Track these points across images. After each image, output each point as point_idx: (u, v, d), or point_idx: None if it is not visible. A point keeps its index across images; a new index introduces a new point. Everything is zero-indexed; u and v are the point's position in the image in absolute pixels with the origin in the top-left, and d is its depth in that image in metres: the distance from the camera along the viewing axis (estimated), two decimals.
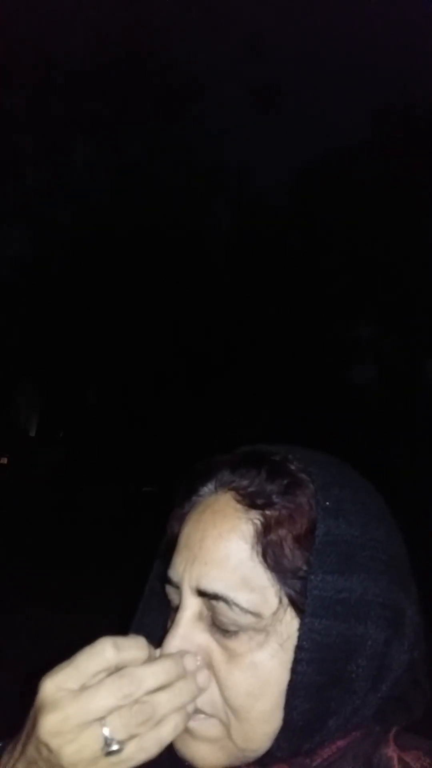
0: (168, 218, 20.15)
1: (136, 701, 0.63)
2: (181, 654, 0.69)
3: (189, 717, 0.68)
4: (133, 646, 0.66)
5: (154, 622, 0.85)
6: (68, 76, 20.23)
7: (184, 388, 20.77)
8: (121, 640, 0.66)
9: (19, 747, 0.67)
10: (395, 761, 0.68)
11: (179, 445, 18.83)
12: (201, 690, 0.69)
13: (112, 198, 20.75)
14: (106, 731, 0.62)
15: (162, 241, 19.93)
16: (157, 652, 0.71)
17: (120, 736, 0.62)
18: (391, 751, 0.69)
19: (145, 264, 19.77)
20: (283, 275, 20.97)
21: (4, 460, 21.84)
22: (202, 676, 0.70)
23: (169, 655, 0.69)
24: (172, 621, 0.74)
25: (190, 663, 0.69)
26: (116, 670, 0.65)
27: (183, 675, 0.67)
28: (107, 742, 0.62)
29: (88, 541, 11.25)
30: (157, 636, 0.76)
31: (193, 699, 0.68)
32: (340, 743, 0.70)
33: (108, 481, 19.74)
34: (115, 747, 0.62)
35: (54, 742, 0.62)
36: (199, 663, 0.71)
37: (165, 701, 0.64)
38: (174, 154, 20.55)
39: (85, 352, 20.50)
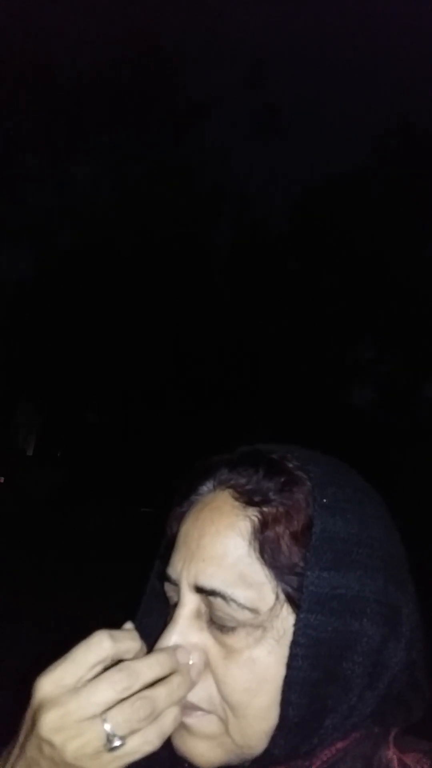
0: (169, 239, 20.29)
1: (135, 695, 0.64)
2: (174, 647, 0.70)
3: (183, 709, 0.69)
4: (128, 638, 0.68)
5: (155, 623, 0.85)
6: (71, 97, 20.46)
7: (184, 409, 20.78)
8: (116, 632, 0.67)
9: (16, 749, 0.67)
10: (395, 763, 0.69)
11: (178, 465, 18.75)
12: (194, 683, 0.70)
13: (113, 219, 20.91)
14: (107, 727, 0.62)
15: (163, 262, 20.05)
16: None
17: (122, 731, 0.63)
18: (391, 753, 0.69)
19: (145, 284, 19.88)
20: (283, 297, 21.06)
21: (1, 480, 21.78)
22: (195, 669, 0.71)
23: (163, 649, 0.70)
24: (171, 618, 0.75)
25: (182, 656, 0.70)
26: (112, 662, 0.66)
27: (177, 667, 0.68)
28: (109, 738, 0.63)
29: (86, 562, 11.20)
30: (157, 635, 0.76)
31: (188, 692, 0.69)
32: (339, 745, 0.70)
33: (106, 501, 19.66)
34: (117, 743, 0.63)
35: (57, 739, 0.63)
36: (193, 657, 0.71)
37: (164, 695, 0.66)
38: (176, 176, 20.74)
39: (84, 371, 20.53)
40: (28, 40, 18.27)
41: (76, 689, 0.63)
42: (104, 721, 0.62)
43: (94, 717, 0.63)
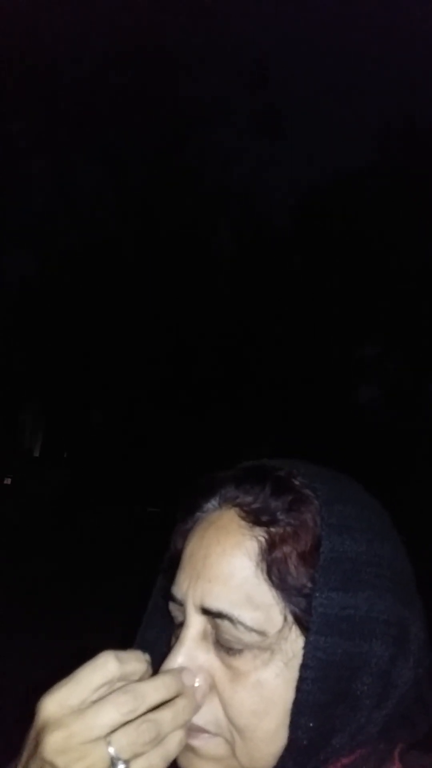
0: (173, 241, 20.29)
1: (140, 718, 0.63)
2: (180, 669, 0.69)
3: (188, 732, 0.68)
4: (134, 659, 0.67)
5: (156, 637, 0.85)
6: (74, 101, 20.48)
7: (189, 409, 20.76)
8: (122, 654, 0.66)
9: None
10: None
11: (184, 465, 18.79)
12: (199, 706, 0.69)
13: (117, 220, 20.92)
14: (111, 750, 0.61)
15: (167, 262, 20.05)
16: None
17: (126, 755, 0.62)
18: None
19: (149, 285, 19.88)
20: (287, 296, 21.04)
21: (8, 481, 21.78)
22: (200, 692, 0.70)
23: (169, 671, 0.69)
24: (176, 638, 0.74)
25: (188, 678, 0.69)
26: (118, 683, 0.65)
27: (182, 690, 0.67)
28: (113, 761, 0.62)
29: (92, 562, 11.19)
30: (159, 652, 0.76)
31: (194, 715, 0.68)
32: (345, 761, 0.69)
33: (112, 501, 19.66)
34: (121, 766, 0.62)
35: (60, 761, 0.62)
36: (198, 680, 0.70)
37: (169, 719, 0.64)
38: (179, 177, 20.74)
39: (89, 372, 20.54)
40: (31, 43, 18.29)
41: (81, 710, 0.62)
42: (108, 744, 0.62)
43: (98, 739, 0.61)
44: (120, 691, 0.64)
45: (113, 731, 0.62)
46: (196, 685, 0.70)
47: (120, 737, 0.62)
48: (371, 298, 21.10)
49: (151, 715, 0.64)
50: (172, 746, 0.65)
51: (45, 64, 19.27)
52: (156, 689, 0.65)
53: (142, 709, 0.63)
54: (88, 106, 20.26)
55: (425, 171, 19.98)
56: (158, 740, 0.64)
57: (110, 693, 0.64)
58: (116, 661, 0.65)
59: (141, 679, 0.67)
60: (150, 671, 0.69)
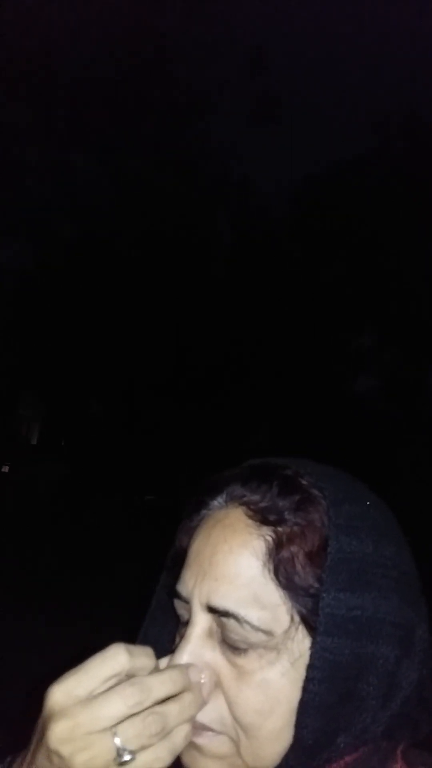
0: (170, 231, 20.23)
1: (147, 710, 0.63)
2: (187, 665, 0.69)
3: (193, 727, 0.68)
4: (144, 654, 0.67)
5: (159, 634, 0.85)
6: (71, 89, 20.36)
7: (187, 398, 20.78)
8: (133, 648, 0.66)
9: (28, 757, 0.67)
10: None
11: (182, 454, 18.84)
12: (205, 702, 0.70)
13: (114, 210, 20.85)
14: (117, 741, 0.62)
15: (164, 253, 20.01)
16: (164, 661, 0.71)
17: (132, 746, 0.62)
18: (399, 767, 0.69)
19: (147, 276, 19.84)
20: (285, 286, 21.01)
21: (5, 469, 21.81)
22: (206, 689, 0.70)
23: (176, 666, 0.69)
24: (182, 636, 0.74)
25: (194, 674, 0.69)
26: (126, 677, 0.65)
27: (189, 685, 0.67)
28: (119, 753, 0.62)
29: (90, 551, 11.22)
30: (162, 648, 0.75)
31: (200, 710, 0.68)
32: (348, 758, 0.69)
33: (110, 490, 19.70)
34: (127, 757, 0.62)
35: (65, 750, 0.62)
36: (204, 677, 0.70)
37: (176, 712, 0.65)
38: (176, 167, 20.65)
39: (87, 362, 20.53)
40: (28, 31, 18.17)
41: (88, 701, 0.62)
42: (114, 735, 0.62)
43: (104, 730, 0.62)
44: (127, 683, 0.64)
45: (119, 722, 0.62)
46: (202, 681, 0.70)
47: (127, 728, 0.62)
48: (369, 288, 21.09)
49: (157, 708, 0.64)
50: (178, 740, 0.65)
51: (41, 53, 19.14)
52: (163, 683, 0.65)
53: (149, 702, 0.63)
54: (85, 96, 20.14)
55: (424, 160, 19.93)
56: (164, 733, 0.64)
57: (116, 685, 0.64)
58: (127, 654, 0.65)
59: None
60: (158, 668, 0.69)
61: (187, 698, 0.66)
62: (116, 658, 0.64)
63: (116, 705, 0.62)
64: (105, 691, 0.63)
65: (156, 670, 0.68)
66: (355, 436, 19.62)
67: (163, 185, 20.42)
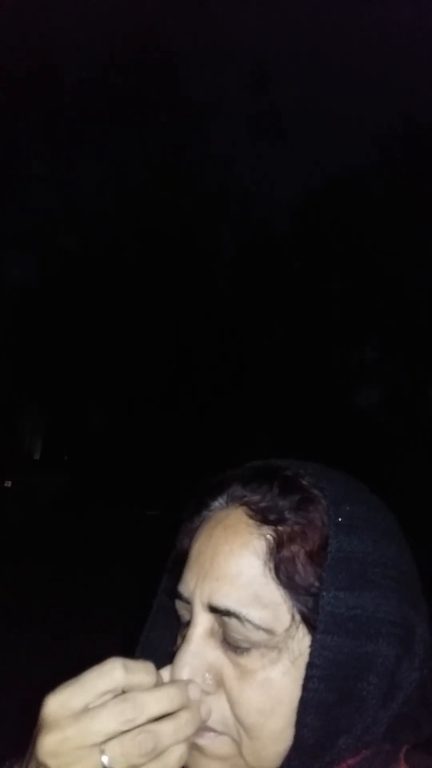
0: (173, 243, 20.30)
1: (138, 728, 0.62)
2: (186, 681, 0.68)
3: (190, 748, 0.67)
4: (142, 670, 0.65)
5: (161, 637, 0.85)
6: (75, 104, 20.51)
7: (189, 411, 20.76)
8: (130, 663, 0.65)
9: (24, 765, 0.67)
10: None
11: (183, 468, 18.79)
12: (203, 721, 0.69)
13: (117, 223, 20.93)
14: (105, 759, 0.60)
15: (166, 265, 20.06)
16: (166, 670, 0.71)
17: (119, 765, 0.61)
18: None
19: (150, 287, 19.89)
20: (286, 299, 21.05)
21: (8, 483, 21.78)
22: (205, 707, 0.69)
23: (175, 683, 0.68)
24: (183, 637, 0.74)
25: (194, 692, 0.68)
26: (122, 692, 0.64)
27: (187, 704, 0.66)
28: None
29: (91, 564, 11.18)
30: (164, 651, 0.76)
31: (196, 730, 0.67)
32: (350, 761, 0.69)
33: (112, 504, 19.65)
34: None
35: (52, 764, 0.61)
36: (207, 677, 0.70)
37: (170, 731, 0.63)
38: (179, 179, 20.76)
39: (89, 375, 20.55)
40: (32, 44, 18.33)
41: (79, 714, 0.61)
42: (102, 752, 0.60)
43: (93, 746, 0.60)
44: (120, 698, 0.62)
45: (109, 739, 0.61)
46: (206, 677, 0.70)
47: (114, 746, 0.61)
48: (371, 301, 21.12)
49: (150, 726, 0.62)
50: (171, 761, 0.63)
51: (46, 66, 19.30)
52: (158, 700, 0.64)
53: (142, 719, 0.62)
54: (88, 108, 20.29)
55: (425, 173, 20.00)
56: (156, 753, 0.62)
57: (110, 700, 0.63)
58: (123, 670, 0.64)
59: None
60: (160, 682, 0.68)
61: (184, 717, 0.64)
62: (112, 674, 0.63)
63: (106, 721, 0.61)
64: (97, 706, 0.62)
65: (158, 684, 0.66)
66: (356, 449, 19.57)
67: (166, 198, 20.52)
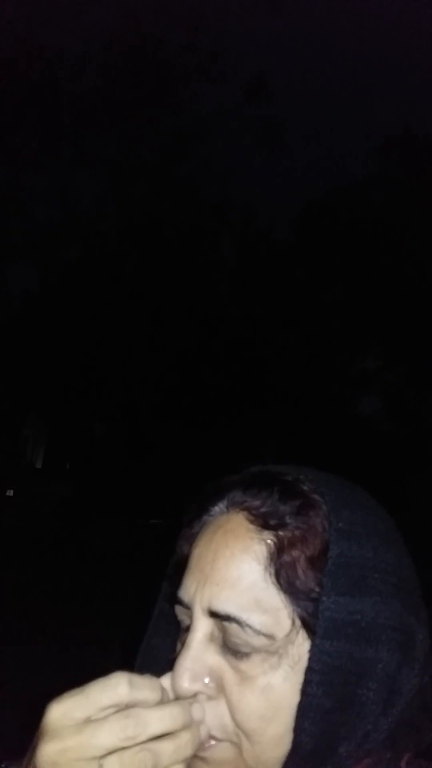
0: (174, 254, 20.35)
1: (138, 746, 0.61)
2: (189, 702, 0.68)
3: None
4: (147, 686, 0.65)
5: (162, 643, 0.84)
6: (75, 114, 20.60)
7: (191, 421, 20.75)
8: (136, 678, 0.64)
9: None
10: None
11: (186, 477, 18.77)
12: (203, 742, 0.68)
13: (118, 233, 20.99)
14: None
15: (169, 275, 20.11)
16: (167, 676, 0.70)
17: None
18: None
19: (152, 297, 19.93)
20: (288, 309, 21.07)
21: (11, 493, 21.77)
22: (205, 729, 0.69)
23: (178, 702, 0.67)
24: (182, 643, 0.73)
25: (197, 712, 0.68)
26: (126, 707, 0.63)
27: (189, 724, 0.65)
28: None
29: (94, 574, 11.16)
30: (165, 657, 0.76)
31: (195, 750, 0.66)
32: None
33: (114, 513, 19.63)
34: None
35: None
36: (207, 682, 0.70)
37: (170, 751, 0.63)
38: (180, 191, 20.82)
39: (91, 385, 20.56)
40: (32, 58, 18.43)
41: (81, 726, 0.61)
42: (101, 766, 0.60)
43: (91, 759, 0.60)
44: (123, 714, 0.62)
45: (109, 754, 0.60)
46: (206, 682, 0.70)
47: (113, 762, 0.60)
48: (372, 310, 21.13)
49: (150, 745, 0.61)
50: None
51: (47, 77, 19.41)
52: (161, 719, 0.63)
53: (143, 737, 0.61)
54: (89, 120, 20.38)
55: (425, 182, 20.06)
56: None
57: (112, 714, 0.62)
58: (128, 685, 0.63)
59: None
60: (165, 698, 0.67)
61: (185, 737, 0.64)
62: (116, 689, 0.63)
63: (108, 735, 0.60)
64: (100, 720, 0.61)
65: (162, 701, 0.66)
66: (360, 457, 19.53)
67: (166, 209, 20.58)
